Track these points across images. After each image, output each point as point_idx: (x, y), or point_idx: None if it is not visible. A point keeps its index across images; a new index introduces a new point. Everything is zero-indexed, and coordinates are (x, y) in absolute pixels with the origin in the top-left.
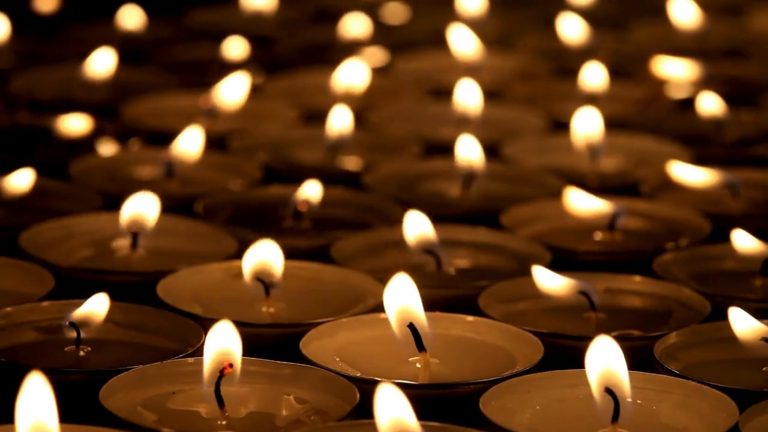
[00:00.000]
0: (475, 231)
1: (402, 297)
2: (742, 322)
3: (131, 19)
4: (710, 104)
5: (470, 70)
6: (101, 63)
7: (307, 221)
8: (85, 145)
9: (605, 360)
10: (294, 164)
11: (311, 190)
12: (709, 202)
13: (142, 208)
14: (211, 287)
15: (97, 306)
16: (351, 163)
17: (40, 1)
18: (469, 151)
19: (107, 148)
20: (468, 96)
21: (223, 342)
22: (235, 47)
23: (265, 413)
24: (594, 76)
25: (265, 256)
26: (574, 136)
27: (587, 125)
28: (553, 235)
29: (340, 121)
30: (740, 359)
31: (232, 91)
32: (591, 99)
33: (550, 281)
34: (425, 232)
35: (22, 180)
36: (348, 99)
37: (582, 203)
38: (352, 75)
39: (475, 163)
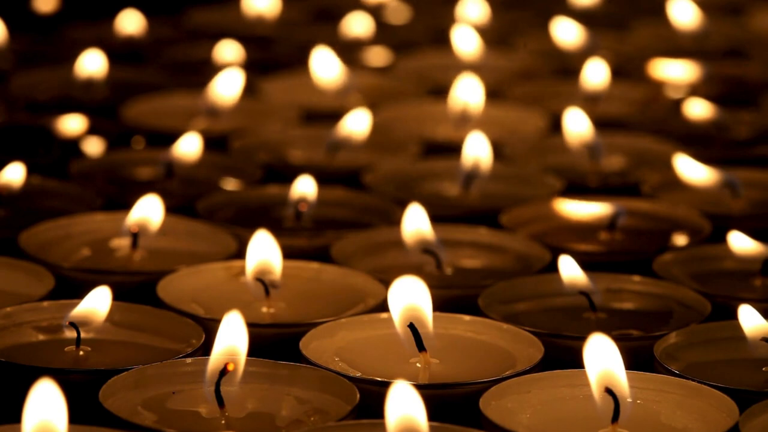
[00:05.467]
0: (475, 231)
1: (408, 297)
2: (750, 321)
3: (131, 19)
4: (699, 108)
5: (470, 70)
6: (98, 63)
7: (308, 221)
8: (84, 145)
9: (602, 359)
10: (294, 164)
11: (306, 187)
12: (709, 202)
13: (148, 211)
14: (211, 287)
15: (97, 303)
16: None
17: (39, 1)
18: (477, 149)
19: (107, 148)
20: (469, 94)
21: (231, 339)
22: (235, 47)
23: (265, 413)
24: (595, 74)
25: (264, 255)
26: (568, 137)
27: (579, 125)
28: (553, 235)
29: (344, 121)
30: (740, 359)
31: (228, 89)
32: (591, 99)
33: (574, 272)
34: (423, 230)
35: (14, 175)
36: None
37: (575, 209)
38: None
39: (482, 161)
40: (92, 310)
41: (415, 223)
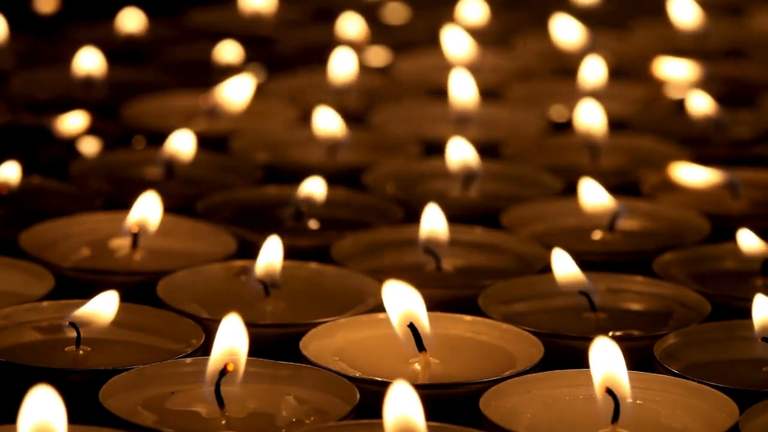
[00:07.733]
0: (474, 231)
1: (404, 298)
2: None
3: (131, 19)
4: (701, 104)
5: (470, 70)
6: (98, 63)
7: (308, 221)
8: (84, 145)
9: (606, 361)
10: (294, 164)
11: (314, 188)
12: (709, 202)
13: (146, 210)
14: (211, 287)
15: (103, 308)
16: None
17: (40, 1)
18: (462, 152)
19: (107, 148)
20: (463, 92)
21: (231, 339)
22: (235, 47)
23: (265, 413)
24: (593, 73)
25: (267, 256)
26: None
27: (589, 120)
28: (553, 235)
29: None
30: (740, 359)
31: (236, 92)
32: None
33: (566, 268)
34: (436, 229)
35: (12, 174)
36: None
37: (593, 197)
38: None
39: (471, 163)
40: (96, 313)
41: (431, 222)
